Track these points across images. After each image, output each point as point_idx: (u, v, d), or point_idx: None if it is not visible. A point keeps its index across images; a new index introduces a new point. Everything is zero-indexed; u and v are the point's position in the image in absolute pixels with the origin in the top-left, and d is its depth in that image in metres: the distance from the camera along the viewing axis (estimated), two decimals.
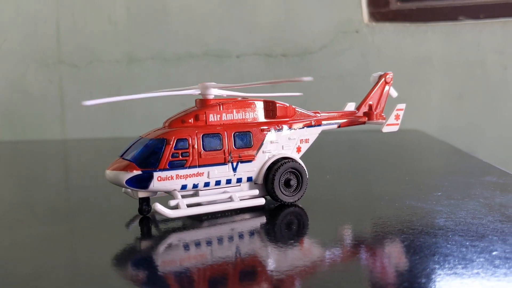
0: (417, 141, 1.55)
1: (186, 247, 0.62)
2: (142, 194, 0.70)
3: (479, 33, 1.72)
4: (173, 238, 0.65)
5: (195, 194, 0.72)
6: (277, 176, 0.74)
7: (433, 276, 0.49)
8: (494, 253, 0.54)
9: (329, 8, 1.78)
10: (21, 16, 1.93)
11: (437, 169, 1.12)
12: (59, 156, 1.64)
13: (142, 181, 0.67)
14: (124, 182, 0.67)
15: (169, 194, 0.70)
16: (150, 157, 0.68)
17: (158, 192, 0.72)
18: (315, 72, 1.77)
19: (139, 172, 0.67)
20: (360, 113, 0.88)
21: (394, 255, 0.57)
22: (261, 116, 0.77)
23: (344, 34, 1.79)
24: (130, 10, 1.89)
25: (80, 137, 1.91)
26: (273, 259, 0.56)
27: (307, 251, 0.59)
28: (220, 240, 0.63)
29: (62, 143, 1.89)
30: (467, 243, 0.57)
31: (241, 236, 0.65)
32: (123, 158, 0.69)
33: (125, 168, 0.67)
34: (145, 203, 0.72)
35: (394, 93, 0.92)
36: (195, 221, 0.71)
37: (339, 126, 0.86)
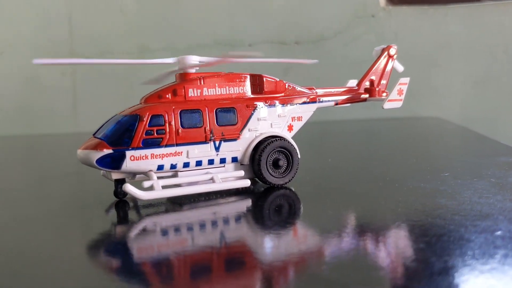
0: (436, 128, 1.46)
1: (165, 232, 0.56)
2: (116, 175, 0.65)
3: (502, 14, 1.62)
4: (149, 223, 0.59)
5: (175, 176, 0.67)
6: (264, 156, 0.68)
7: (423, 259, 0.42)
8: (497, 233, 0.47)
9: None
10: (33, 9, 1.91)
11: (450, 153, 1.04)
12: (72, 149, 1.61)
13: (114, 161, 0.62)
14: (94, 162, 0.62)
15: (145, 176, 0.65)
16: (122, 135, 0.63)
17: (136, 175, 0.67)
18: (330, 59, 1.69)
19: (110, 151, 0.62)
20: (361, 90, 0.81)
21: (387, 237, 0.50)
22: (247, 91, 0.71)
23: (359, 19, 1.71)
24: (141, 1, 1.86)
25: (93, 130, 1.88)
26: (262, 246, 0.50)
27: (300, 238, 0.53)
28: (202, 225, 0.57)
29: (75, 136, 1.86)
30: (467, 223, 0.50)
31: (225, 221, 0.59)
32: (95, 137, 0.64)
33: (95, 147, 0.62)
34: (120, 185, 0.67)
35: (399, 67, 0.85)
36: (176, 204, 0.66)
37: (336, 104, 0.79)
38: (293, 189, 0.70)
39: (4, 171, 1.07)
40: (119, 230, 0.58)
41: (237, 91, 0.70)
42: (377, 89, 0.81)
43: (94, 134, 0.65)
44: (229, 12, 1.80)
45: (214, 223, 0.58)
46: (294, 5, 1.76)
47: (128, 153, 0.62)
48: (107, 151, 0.62)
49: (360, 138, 1.34)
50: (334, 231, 0.52)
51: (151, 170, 0.64)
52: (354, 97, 0.81)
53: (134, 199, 0.66)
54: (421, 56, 1.65)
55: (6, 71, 1.90)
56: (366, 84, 0.82)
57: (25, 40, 1.93)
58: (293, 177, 0.71)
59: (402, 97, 0.78)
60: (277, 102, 0.72)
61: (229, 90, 0.69)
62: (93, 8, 1.91)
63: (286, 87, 0.73)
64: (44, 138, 1.84)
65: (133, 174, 0.66)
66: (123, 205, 0.66)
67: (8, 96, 1.92)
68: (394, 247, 0.46)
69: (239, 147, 0.69)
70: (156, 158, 0.64)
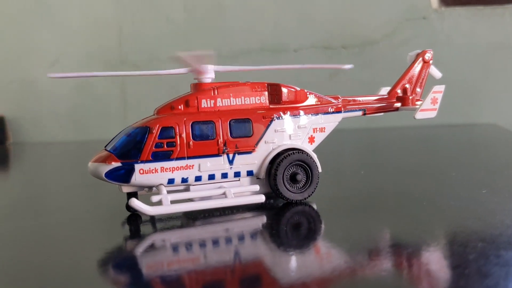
0: (490, 136, 1.36)
1: (176, 249, 0.54)
2: (126, 188, 0.63)
3: None
4: (158, 238, 0.57)
5: (186, 190, 0.64)
6: (280, 170, 0.65)
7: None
8: None
9: None
10: (85, 20, 1.97)
11: (497, 165, 0.95)
12: None
13: (123, 174, 0.61)
14: (103, 175, 0.61)
15: (156, 189, 0.63)
16: (131, 147, 0.61)
17: (152, 188, 0.65)
18: (377, 63, 1.63)
19: (119, 164, 0.60)
20: (392, 98, 0.76)
21: (386, 266, 0.45)
22: (264, 102, 0.67)
23: (409, 22, 1.63)
24: (187, 8, 1.87)
25: None
26: (280, 265, 0.47)
27: (322, 258, 0.49)
28: (215, 242, 0.55)
29: None
30: (490, 253, 0.44)
31: (240, 238, 0.56)
32: (105, 149, 0.63)
33: (104, 160, 0.61)
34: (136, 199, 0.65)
35: (437, 73, 0.79)
36: (189, 219, 0.63)
37: (364, 113, 0.74)
38: (314, 206, 0.66)
39: (42, 178, 1.09)
40: (129, 245, 0.56)
41: (253, 101, 0.66)
42: (410, 97, 0.75)
43: (105, 147, 0.64)
44: (274, 18, 1.77)
45: (228, 240, 0.55)
46: (341, 9, 1.71)
47: (137, 166, 0.61)
48: (116, 164, 0.60)
49: (404, 146, 1.27)
50: (354, 252, 0.48)
51: (161, 184, 0.62)
52: (385, 106, 0.75)
53: None
54: (476, 59, 1.55)
55: (60, 79, 1.96)
56: (399, 92, 0.76)
57: (77, 49, 1.98)
58: (312, 192, 0.67)
59: (437, 106, 0.72)
60: (296, 113, 0.68)
61: (244, 100, 0.66)
62: (141, 17, 1.94)
63: (308, 96, 0.69)
64: (95, 144, 1.88)
65: (144, 187, 0.64)
66: (138, 219, 0.64)
67: (62, 103, 1.98)
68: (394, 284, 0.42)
69: (254, 160, 0.65)
70: (166, 171, 0.62)
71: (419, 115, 0.71)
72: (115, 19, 1.94)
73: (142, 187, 0.64)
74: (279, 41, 1.77)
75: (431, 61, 0.77)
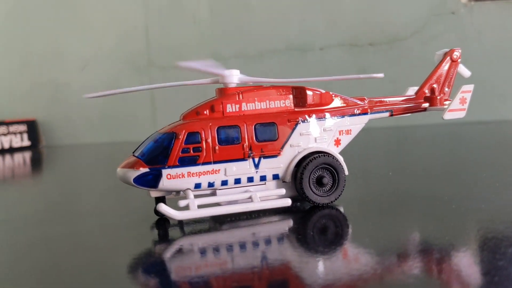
0: None
1: (203, 253, 0.54)
2: (154, 193, 0.64)
3: None
4: (186, 243, 0.58)
5: (213, 194, 0.65)
6: (306, 173, 0.65)
7: None
8: None
9: None
10: (113, 23, 2.00)
11: None
12: None
13: (151, 180, 0.62)
14: (132, 181, 0.62)
15: (183, 194, 0.64)
16: (158, 153, 0.62)
17: (180, 192, 0.66)
18: (406, 60, 1.61)
19: (147, 169, 0.61)
20: (420, 98, 0.75)
21: (445, 268, 0.45)
22: (289, 105, 0.67)
23: (438, 17, 1.60)
24: (213, 9, 1.88)
25: None
26: (307, 270, 0.47)
27: (351, 261, 0.48)
28: (242, 246, 0.55)
29: None
30: None
31: (267, 242, 0.56)
32: (133, 155, 0.64)
33: (133, 166, 0.62)
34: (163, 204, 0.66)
35: (466, 72, 0.77)
36: (217, 223, 0.64)
37: (391, 115, 0.73)
38: (341, 209, 0.66)
39: (74, 181, 1.11)
40: (158, 249, 0.57)
41: (278, 105, 0.66)
42: (438, 97, 0.74)
43: (133, 152, 0.65)
44: (300, 16, 1.76)
45: (255, 244, 0.55)
46: (367, 5, 1.69)
47: (165, 172, 0.61)
48: (144, 169, 0.61)
49: (433, 145, 1.26)
50: (382, 256, 0.47)
51: (188, 189, 0.63)
52: (412, 107, 0.74)
53: None
54: (507, 55, 1.52)
55: (90, 82, 1.99)
56: (426, 92, 0.75)
57: (107, 53, 2.02)
58: (339, 195, 0.67)
59: (466, 106, 0.70)
60: (322, 115, 0.67)
61: (269, 104, 0.66)
62: (167, 19, 1.95)
63: (333, 98, 0.69)
64: (125, 145, 1.90)
65: (172, 191, 0.65)
66: (166, 223, 0.65)
67: (93, 106, 2.02)
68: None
69: (280, 164, 0.65)
70: (192, 176, 0.62)
71: (448, 116, 0.70)
72: (143, 21, 1.96)
73: (169, 191, 0.64)
74: (305, 40, 1.77)
75: (459, 60, 0.76)
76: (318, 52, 1.74)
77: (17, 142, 1.95)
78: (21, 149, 1.95)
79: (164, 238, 0.61)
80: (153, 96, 1.99)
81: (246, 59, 1.83)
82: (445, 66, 0.76)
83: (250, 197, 0.63)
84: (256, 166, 0.64)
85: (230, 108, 0.65)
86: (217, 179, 0.63)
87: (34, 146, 2.02)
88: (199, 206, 0.62)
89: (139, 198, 0.78)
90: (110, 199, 0.86)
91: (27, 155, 1.79)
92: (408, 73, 1.52)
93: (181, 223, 0.64)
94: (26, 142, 1.99)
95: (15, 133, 1.95)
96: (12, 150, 1.91)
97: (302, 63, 1.75)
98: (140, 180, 0.62)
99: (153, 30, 1.96)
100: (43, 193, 1.03)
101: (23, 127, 1.99)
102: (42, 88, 2.05)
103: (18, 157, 1.73)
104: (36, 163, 1.66)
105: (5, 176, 1.34)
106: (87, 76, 2.00)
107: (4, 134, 1.91)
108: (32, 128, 2.03)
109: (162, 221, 0.66)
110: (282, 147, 0.65)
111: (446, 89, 0.76)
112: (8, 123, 1.93)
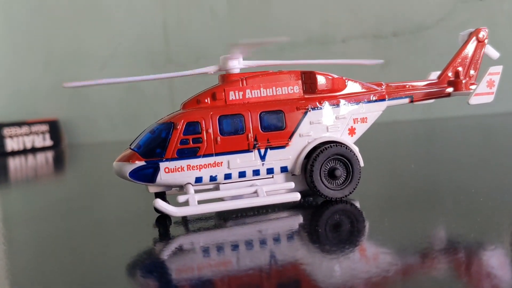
0: None
1: (206, 251, 0.50)
2: (153, 188, 0.60)
3: None
4: (187, 241, 0.53)
5: (216, 189, 0.60)
6: (317, 165, 0.59)
7: None
8: None
9: None
10: (132, 20, 1.98)
11: None
12: None
13: (148, 174, 0.57)
14: (127, 175, 0.57)
15: (183, 188, 0.59)
16: (155, 145, 0.57)
17: (183, 187, 0.61)
18: (432, 49, 1.53)
19: (143, 162, 0.57)
20: (443, 83, 0.68)
21: (470, 266, 0.39)
22: (298, 91, 0.62)
23: (465, 4, 1.52)
24: (231, 2, 1.84)
25: None
26: (318, 270, 0.42)
27: (368, 261, 0.43)
28: (248, 244, 0.50)
29: None
30: None
31: (275, 239, 0.51)
32: (130, 148, 0.60)
33: (128, 159, 0.58)
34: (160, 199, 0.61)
35: (494, 53, 0.70)
36: (221, 220, 0.59)
37: (411, 101, 0.67)
38: (357, 204, 0.60)
39: (95, 178, 1.09)
40: (157, 247, 0.53)
41: (286, 92, 0.61)
42: (464, 81, 0.67)
43: (130, 145, 0.60)
44: (321, 8, 1.71)
45: (262, 242, 0.50)
46: None
47: (162, 165, 0.57)
48: (140, 163, 0.57)
49: (461, 137, 1.18)
50: (404, 254, 0.42)
51: (188, 183, 0.58)
52: (435, 92, 0.68)
53: None
54: None
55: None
56: (450, 75, 0.68)
57: (126, 51, 2.00)
58: (354, 189, 0.61)
59: (494, 89, 0.64)
60: (334, 102, 0.62)
61: (276, 91, 0.61)
62: (185, 14, 1.92)
63: (346, 83, 0.63)
64: None
65: (171, 186, 0.60)
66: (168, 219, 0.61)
67: (113, 105, 2.01)
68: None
69: (288, 155, 0.60)
70: (193, 169, 0.58)
71: (474, 100, 0.64)
72: (161, 18, 1.93)
73: (168, 186, 0.60)
74: (326, 32, 1.71)
75: (486, 40, 0.69)
76: (340, 45, 1.68)
77: (39, 142, 1.95)
78: (43, 149, 1.95)
79: (164, 236, 0.56)
80: (173, 93, 1.96)
81: (265, 53, 1.78)
82: (471, 47, 0.69)
83: (256, 192, 0.58)
84: (262, 158, 0.59)
85: (233, 95, 0.60)
86: (219, 173, 0.58)
87: (56, 145, 2.02)
88: (201, 202, 0.57)
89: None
90: (132, 196, 0.82)
91: (50, 154, 1.78)
92: (434, 63, 1.44)
93: (184, 220, 0.60)
94: (48, 142, 1.99)
95: (37, 133, 1.95)
96: (34, 150, 1.91)
97: (324, 57, 1.69)
98: (137, 174, 0.57)
99: (171, 26, 1.94)
100: (67, 192, 1.00)
101: (45, 127, 1.98)
102: (63, 88, 2.04)
103: (40, 157, 1.72)
104: (59, 162, 1.65)
105: (28, 176, 1.33)
106: (107, 75, 1.98)
107: (27, 134, 1.91)
108: (54, 128, 2.02)
109: (173, 218, 0.61)
110: (291, 137, 0.60)
111: (472, 72, 0.69)
112: (30, 123, 1.93)
